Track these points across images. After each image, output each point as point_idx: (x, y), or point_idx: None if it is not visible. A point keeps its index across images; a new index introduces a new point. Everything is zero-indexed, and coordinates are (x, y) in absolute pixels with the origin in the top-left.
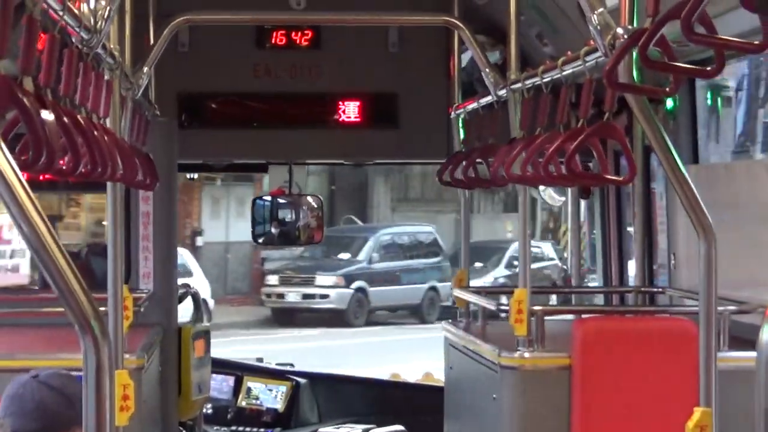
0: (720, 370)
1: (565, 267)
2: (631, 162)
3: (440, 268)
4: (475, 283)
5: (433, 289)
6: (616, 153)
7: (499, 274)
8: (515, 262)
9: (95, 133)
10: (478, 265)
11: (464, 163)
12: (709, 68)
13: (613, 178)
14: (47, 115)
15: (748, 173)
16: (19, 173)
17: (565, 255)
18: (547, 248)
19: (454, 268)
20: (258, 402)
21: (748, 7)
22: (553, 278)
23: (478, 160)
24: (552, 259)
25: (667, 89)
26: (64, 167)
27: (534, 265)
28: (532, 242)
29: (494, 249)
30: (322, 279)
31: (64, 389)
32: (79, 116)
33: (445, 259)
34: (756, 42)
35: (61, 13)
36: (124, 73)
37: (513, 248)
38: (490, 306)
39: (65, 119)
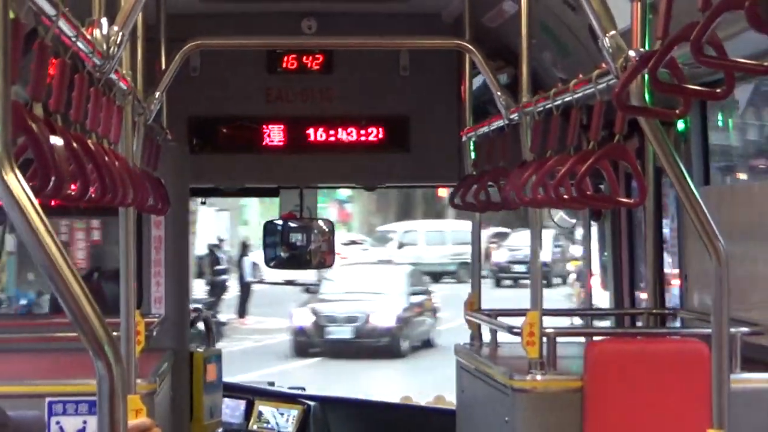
0: (732, 391)
1: None
2: (642, 184)
3: None
4: None
5: None
6: (628, 175)
7: None
8: None
9: (105, 158)
10: None
11: (475, 186)
12: (719, 90)
13: (623, 200)
14: (56, 141)
15: (760, 194)
16: (33, 198)
17: None
18: None
19: None
20: (269, 426)
21: (757, 27)
22: None
23: (490, 183)
24: None
25: (678, 111)
26: (73, 193)
27: None
28: None
29: None
30: None
31: None
32: (89, 141)
33: None
34: (766, 63)
35: (74, 39)
36: (136, 99)
37: None
38: (502, 329)
39: (74, 145)
